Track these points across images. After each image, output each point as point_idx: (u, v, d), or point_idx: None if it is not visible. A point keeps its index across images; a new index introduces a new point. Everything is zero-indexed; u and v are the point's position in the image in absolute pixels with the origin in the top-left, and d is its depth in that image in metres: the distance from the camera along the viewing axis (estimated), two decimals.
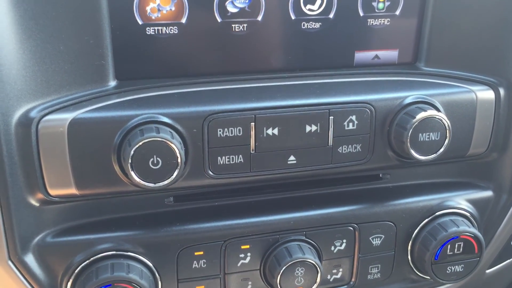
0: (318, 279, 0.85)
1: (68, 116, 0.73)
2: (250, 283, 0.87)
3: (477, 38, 0.88)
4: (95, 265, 0.78)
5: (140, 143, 0.71)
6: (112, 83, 0.78)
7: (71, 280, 0.79)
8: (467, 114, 0.87)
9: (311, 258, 0.83)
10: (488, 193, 0.96)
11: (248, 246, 0.85)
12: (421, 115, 0.80)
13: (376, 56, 0.90)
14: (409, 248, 0.92)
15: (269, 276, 0.85)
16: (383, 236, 0.90)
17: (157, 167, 0.72)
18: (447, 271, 0.91)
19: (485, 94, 0.88)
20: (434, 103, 0.85)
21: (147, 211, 0.84)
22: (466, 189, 0.95)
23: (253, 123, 0.78)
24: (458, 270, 0.91)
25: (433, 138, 0.82)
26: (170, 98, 0.78)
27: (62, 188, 0.75)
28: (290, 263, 0.82)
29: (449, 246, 0.89)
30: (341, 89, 0.83)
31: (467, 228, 0.89)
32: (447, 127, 0.82)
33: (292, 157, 0.81)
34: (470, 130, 0.88)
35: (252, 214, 0.85)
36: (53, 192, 0.75)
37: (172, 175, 0.73)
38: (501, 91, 0.88)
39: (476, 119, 0.88)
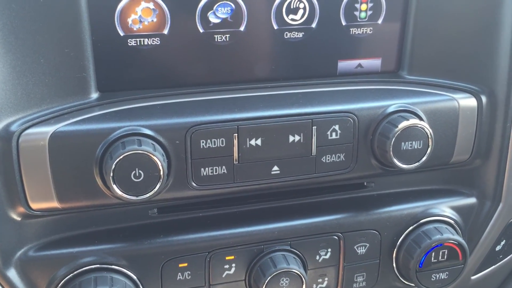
0: None
1: (49, 129, 0.72)
2: None
3: (458, 46, 0.88)
4: (78, 279, 0.78)
5: (121, 156, 0.70)
6: (94, 95, 0.77)
7: None
8: (449, 122, 0.87)
9: (296, 268, 0.83)
10: (472, 200, 0.96)
11: (232, 257, 0.84)
12: (403, 124, 0.81)
13: (359, 65, 0.90)
14: (394, 256, 0.92)
15: (254, 287, 0.85)
16: (368, 244, 0.90)
17: (139, 180, 0.72)
18: (432, 279, 0.91)
19: (467, 101, 0.88)
20: (416, 112, 0.85)
21: (131, 223, 0.83)
22: (450, 196, 0.95)
23: (236, 134, 0.78)
24: (442, 277, 0.91)
25: (415, 147, 0.82)
26: (153, 109, 0.77)
27: (44, 202, 0.74)
28: (274, 273, 0.82)
29: (433, 253, 0.89)
30: (324, 98, 0.83)
31: (451, 236, 0.90)
32: (429, 136, 0.82)
33: (275, 167, 0.81)
34: (453, 137, 0.88)
35: (236, 225, 0.85)
36: (34, 206, 0.75)
37: (154, 187, 0.73)
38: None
39: (459, 126, 0.88)
